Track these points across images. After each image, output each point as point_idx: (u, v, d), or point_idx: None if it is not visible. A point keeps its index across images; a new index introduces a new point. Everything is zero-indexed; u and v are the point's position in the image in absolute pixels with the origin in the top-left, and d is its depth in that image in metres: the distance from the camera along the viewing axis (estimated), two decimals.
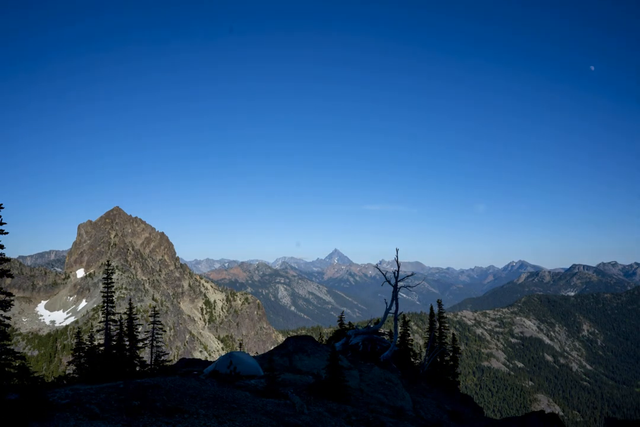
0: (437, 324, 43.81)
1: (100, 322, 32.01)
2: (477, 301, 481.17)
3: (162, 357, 31.77)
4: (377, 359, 33.78)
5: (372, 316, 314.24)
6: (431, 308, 45.91)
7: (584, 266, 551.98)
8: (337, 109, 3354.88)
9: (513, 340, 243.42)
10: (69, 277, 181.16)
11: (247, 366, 22.32)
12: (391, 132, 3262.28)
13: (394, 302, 36.16)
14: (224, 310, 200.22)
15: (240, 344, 70.58)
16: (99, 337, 32.78)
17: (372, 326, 38.44)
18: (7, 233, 13.45)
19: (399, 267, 36.68)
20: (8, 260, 14.37)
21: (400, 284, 35.73)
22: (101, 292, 33.30)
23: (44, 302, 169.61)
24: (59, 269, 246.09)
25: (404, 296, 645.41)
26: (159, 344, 32.66)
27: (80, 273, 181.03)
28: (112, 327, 31.74)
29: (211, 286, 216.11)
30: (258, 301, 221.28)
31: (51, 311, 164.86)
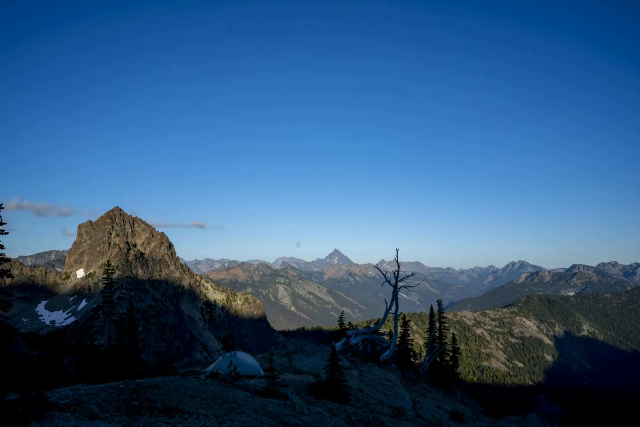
0: (437, 324, 43.80)
1: (100, 322, 32.00)
2: (477, 301, 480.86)
3: (162, 357, 31.76)
4: (377, 359, 33.77)
5: (372, 316, 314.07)
6: (431, 308, 45.92)
7: (584, 266, 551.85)
8: (336, 107, 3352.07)
9: (513, 340, 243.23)
10: (69, 277, 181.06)
11: (247, 366, 22.32)
12: (390, 132, 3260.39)
13: (394, 302, 36.14)
14: (224, 310, 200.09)
15: (241, 344, 70.63)
16: (99, 337, 32.77)
17: (372, 326, 38.42)
18: (7, 233, 13.45)
19: (399, 267, 36.66)
20: (8, 260, 14.36)
21: (400, 284, 35.71)
22: (101, 292, 33.30)
23: (44, 302, 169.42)
24: (59, 269, 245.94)
25: (404, 296, 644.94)
26: (159, 344, 32.66)
27: (80, 273, 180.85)
28: (112, 327, 31.73)
29: (211, 286, 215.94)
30: (258, 301, 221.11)
31: (51, 311, 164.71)
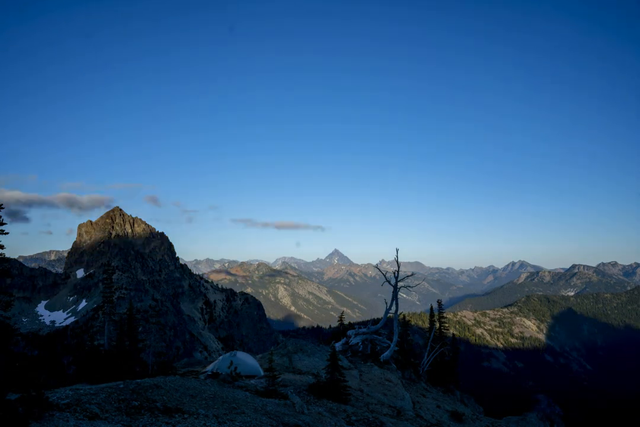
0: (437, 324, 43.81)
1: (100, 322, 32.03)
2: (477, 300, 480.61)
3: (162, 357, 31.78)
4: (377, 359, 33.77)
5: (372, 316, 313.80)
6: (431, 308, 45.93)
7: (584, 266, 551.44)
8: (337, 103, 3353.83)
9: (513, 340, 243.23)
10: (69, 277, 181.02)
11: (248, 366, 22.34)
12: (391, 132, 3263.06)
13: (394, 302, 36.12)
14: (224, 310, 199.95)
15: (241, 344, 70.69)
16: (99, 337, 32.77)
17: (371, 326, 38.40)
18: (7, 233, 13.44)
19: (399, 267, 36.63)
20: (8, 260, 14.36)
21: (400, 284, 35.69)
22: (101, 292, 33.29)
23: (44, 302, 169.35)
24: (59, 269, 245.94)
25: (404, 296, 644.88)
26: (159, 344, 32.68)
27: (80, 273, 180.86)
28: (112, 327, 31.72)
29: (211, 286, 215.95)
30: (258, 301, 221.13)
31: (51, 311, 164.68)
